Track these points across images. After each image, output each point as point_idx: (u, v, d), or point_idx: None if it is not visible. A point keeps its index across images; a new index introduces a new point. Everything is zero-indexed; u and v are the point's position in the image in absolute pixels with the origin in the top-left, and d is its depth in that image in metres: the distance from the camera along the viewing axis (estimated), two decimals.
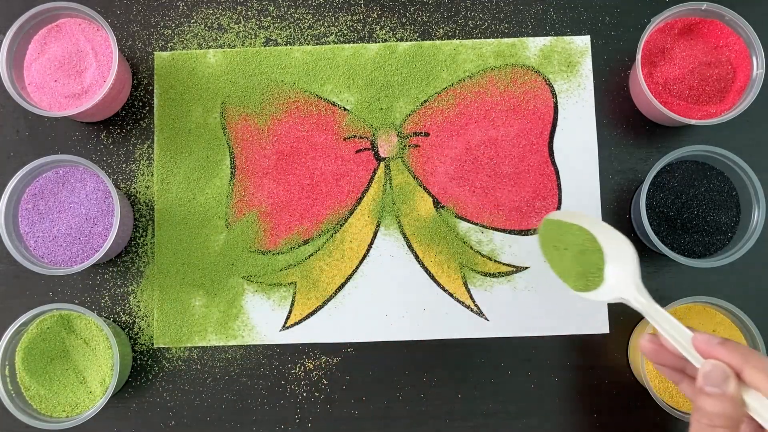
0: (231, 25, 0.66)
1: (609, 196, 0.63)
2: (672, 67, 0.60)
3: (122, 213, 0.58)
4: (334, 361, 0.62)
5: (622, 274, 0.49)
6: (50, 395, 0.58)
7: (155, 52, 0.65)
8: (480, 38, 0.65)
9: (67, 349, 0.59)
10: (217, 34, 0.65)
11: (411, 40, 0.65)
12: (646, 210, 0.58)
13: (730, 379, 0.42)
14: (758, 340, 0.56)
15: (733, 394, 0.41)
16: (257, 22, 0.66)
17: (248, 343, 0.62)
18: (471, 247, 0.63)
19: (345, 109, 0.64)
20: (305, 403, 0.62)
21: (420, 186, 0.63)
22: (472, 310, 0.62)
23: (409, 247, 0.63)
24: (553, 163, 0.64)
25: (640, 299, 0.47)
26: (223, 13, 0.66)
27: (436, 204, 0.63)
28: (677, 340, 0.45)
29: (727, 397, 0.41)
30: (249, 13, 0.66)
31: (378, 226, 0.63)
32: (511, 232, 0.63)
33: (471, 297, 0.62)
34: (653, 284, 0.62)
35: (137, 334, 0.62)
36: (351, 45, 0.65)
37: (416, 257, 0.63)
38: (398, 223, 0.63)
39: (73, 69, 0.60)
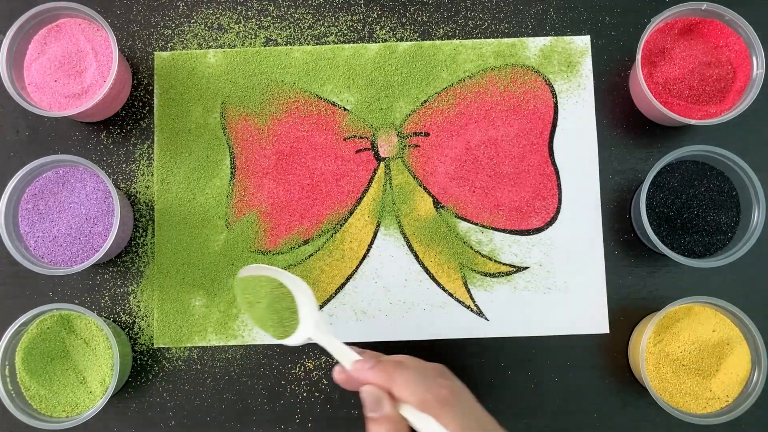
0: (231, 25, 0.66)
1: (609, 196, 0.63)
2: (672, 67, 0.60)
3: (122, 213, 0.58)
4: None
5: (306, 316, 0.52)
6: (50, 395, 0.58)
7: (155, 52, 0.65)
8: (480, 38, 0.65)
9: (67, 349, 0.59)
10: (217, 34, 0.65)
11: (411, 40, 0.65)
12: (646, 210, 0.58)
13: (382, 401, 0.45)
14: (758, 340, 0.56)
15: (389, 414, 0.45)
16: (257, 22, 0.66)
17: (248, 343, 0.62)
18: (471, 247, 0.63)
19: (345, 109, 0.64)
20: (305, 403, 0.62)
21: (420, 186, 0.63)
22: (472, 310, 0.62)
23: (409, 247, 0.63)
24: (553, 163, 0.64)
25: (319, 336, 0.51)
26: (223, 13, 0.66)
27: (436, 204, 0.63)
28: (345, 362, 0.48)
29: (385, 418, 0.44)
30: (249, 13, 0.66)
31: (378, 226, 0.63)
32: (511, 232, 0.63)
33: (471, 297, 0.62)
34: (653, 284, 0.62)
35: (137, 334, 0.62)
36: (351, 45, 0.65)
37: (416, 257, 0.63)
38: (398, 223, 0.63)
39: (73, 69, 0.60)
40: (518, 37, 0.65)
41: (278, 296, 0.52)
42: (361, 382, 0.46)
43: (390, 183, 0.63)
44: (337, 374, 0.49)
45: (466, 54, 0.65)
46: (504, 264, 0.62)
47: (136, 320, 0.62)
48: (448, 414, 0.44)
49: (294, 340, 0.52)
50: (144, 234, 0.63)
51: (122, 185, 0.64)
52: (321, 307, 0.62)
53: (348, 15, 0.66)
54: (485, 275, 0.62)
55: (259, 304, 0.52)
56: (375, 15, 0.66)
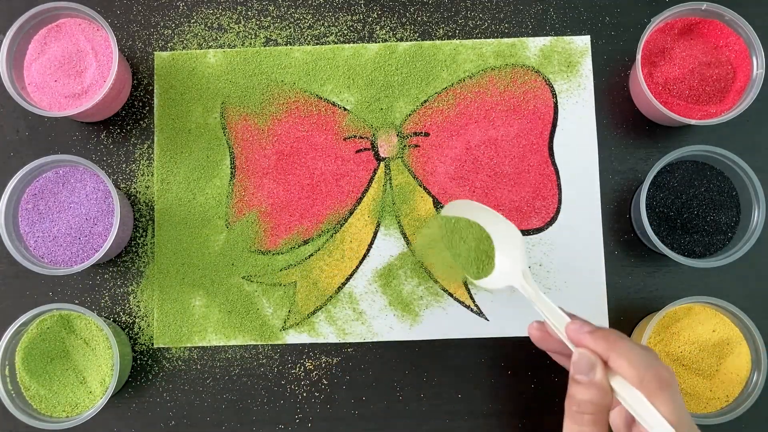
0: (231, 25, 0.66)
1: (609, 196, 0.63)
2: (672, 67, 0.60)
3: (122, 213, 0.58)
4: (334, 361, 0.62)
5: (509, 262, 0.51)
6: (50, 395, 0.58)
7: (155, 52, 0.65)
8: (480, 38, 0.65)
9: (67, 349, 0.59)
10: (217, 34, 0.65)
11: (411, 40, 0.65)
12: (646, 210, 0.58)
13: (596, 367, 0.43)
14: (758, 340, 0.56)
15: (599, 381, 0.43)
16: (257, 22, 0.66)
17: (248, 343, 0.62)
18: None
19: (345, 109, 0.64)
20: (305, 403, 0.62)
21: (420, 186, 0.63)
22: (472, 310, 0.62)
23: (409, 247, 0.63)
24: (553, 163, 0.64)
25: (525, 287, 0.49)
26: (223, 13, 0.66)
27: (436, 204, 0.63)
28: (557, 328, 0.46)
29: (594, 384, 0.43)
30: (249, 13, 0.66)
31: (378, 226, 0.63)
32: None
33: (471, 297, 0.62)
34: (653, 284, 0.62)
35: (137, 334, 0.62)
36: (351, 45, 0.65)
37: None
38: (398, 223, 0.63)
39: (73, 69, 0.60)
40: (518, 37, 0.65)
41: (480, 239, 0.52)
42: (577, 343, 0.45)
43: (390, 183, 0.63)
44: (534, 330, 0.48)
45: (466, 54, 0.65)
46: None
47: (136, 320, 0.62)
48: (665, 398, 0.41)
49: (493, 283, 0.51)
50: (144, 234, 0.63)
51: (122, 185, 0.64)
52: (321, 307, 0.62)
53: (348, 15, 0.66)
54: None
55: (463, 243, 0.52)
56: (375, 15, 0.66)
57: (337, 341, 0.62)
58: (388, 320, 0.62)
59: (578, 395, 0.43)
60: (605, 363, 0.43)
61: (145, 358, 0.62)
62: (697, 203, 0.59)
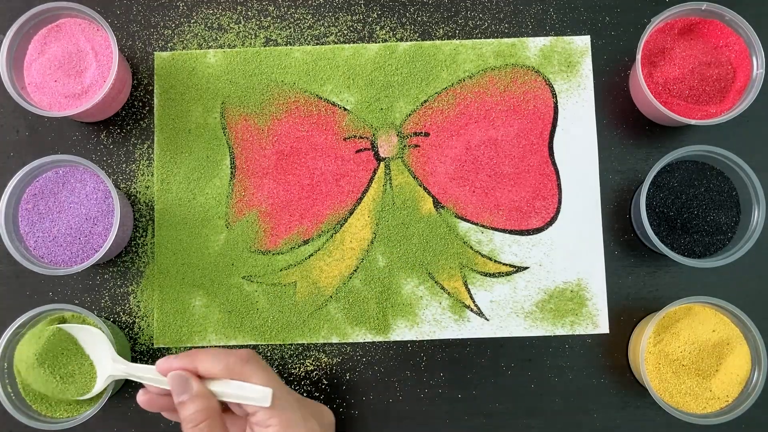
0: (231, 25, 0.66)
1: (609, 196, 0.63)
2: (672, 67, 0.60)
3: (122, 213, 0.58)
4: (334, 361, 0.62)
5: (103, 357, 0.54)
6: (49, 396, 0.58)
7: (155, 52, 0.65)
8: (480, 38, 0.65)
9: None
10: (217, 34, 0.65)
11: (411, 40, 0.65)
12: (646, 210, 0.58)
13: (189, 380, 0.47)
14: (758, 340, 0.56)
15: (198, 391, 0.47)
16: (257, 22, 0.66)
17: (248, 343, 0.62)
18: (471, 247, 0.63)
19: (345, 109, 0.64)
20: None
21: (420, 186, 0.63)
22: (472, 310, 0.62)
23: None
24: (553, 163, 0.64)
25: (118, 367, 0.53)
26: (223, 13, 0.66)
27: (436, 204, 0.63)
28: (152, 378, 0.49)
29: (196, 396, 0.47)
30: (249, 13, 0.66)
31: (378, 226, 0.63)
32: (511, 232, 0.63)
33: (471, 297, 0.62)
34: (653, 284, 0.62)
35: (137, 334, 0.62)
36: (351, 45, 0.65)
37: None
38: (399, 223, 0.63)
39: (73, 69, 0.60)
40: (518, 37, 0.65)
41: (64, 352, 0.55)
42: (167, 371, 0.48)
43: (390, 183, 0.63)
44: (141, 396, 0.50)
45: (466, 54, 0.65)
46: (504, 264, 0.62)
47: (136, 320, 0.62)
48: (252, 368, 0.48)
49: (99, 387, 0.54)
50: (144, 234, 0.63)
51: (122, 185, 0.64)
52: (321, 307, 0.62)
53: (348, 15, 0.66)
54: (485, 275, 0.62)
55: (35, 366, 0.54)
56: (375, 15, 0.66)
57: (337, 341, 0.62)
58: (388, 320, 0.62)
59: (186, 413, 0.47)
60: (198, 376, 0.48)
61: (145, 358, 0.62)
62: (697, 203, 0.59)
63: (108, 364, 0.54)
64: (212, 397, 0.48)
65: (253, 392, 0.47)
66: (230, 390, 0.47)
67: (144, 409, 0.61)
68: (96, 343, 0.55)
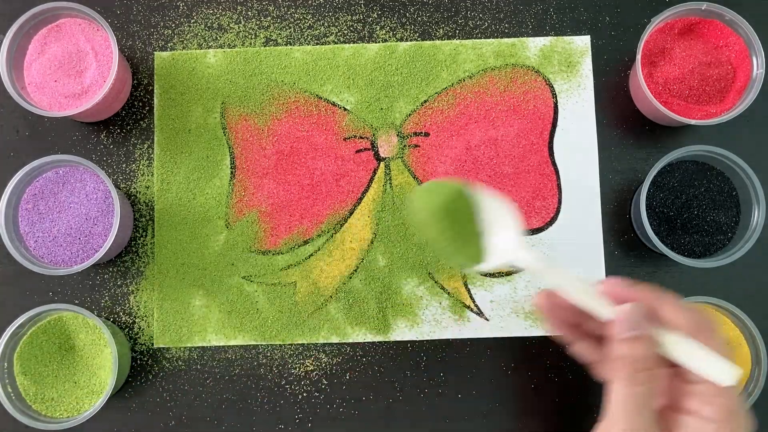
0: (231, 25, 0.66)
1: (609, 196, 0.63)
2: (672, 67, 0.60)
3: (122, 213, 0.58)
4: (334, 361, 0.62)
5: (506, 239, 0.46)
6: (49, 396, 0.58)
7: (155, 52, 0.65)
8: (480, 38, 0.65)
9: (67, 350, 0.59)
10: (217, 34, 0.65)
11: (411, 40, 0.65)
12: (646, 210, 0.58)
13: (647, 319, 0.41)
14: (758, 340, 0.56)
15: (651, 334, 0.41)
16: (257, 22, 0.66)
17: (248, 343, 0.62)
18: None
19: (345, 109, 0.64)
20: (305, 403, 0.62)
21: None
22: (472, 310, 0.62)
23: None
24: (553, 163, 0.64)
25: (530, 258, 0.45)
26: (223, 13, 0.66)
27: None
28: (580, 292, 0.42)
29: (646, 338, 0.41)
30: (249, 13, 0.66)
31: (378, 226, 0.63)
32: None
33: (471, 297, 0.62)
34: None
35: (137, 334, 0.62)
36: (351, 45, 0.65)
37: None
38: (398, 223, 0.63)
39: (73, 69, 0.60)
40: (518, 37, 0.65)
41: (468, 219, 0.46)
42: (619, 298, 0.42)
43: (390, 183, 0.63)
44: (543, 298, 0.44)
45: (466, 54, 0.65)
46: None
47: (136, 320, 0.62)
48: (716, 336, 0.40)
49: (491, 264, 0.46)
50: (144, 234, 0.63)
51: (122, 185, 0.64)
52: (321, 307, 0.62)
53: (348, 15, 0.66)
54: (485, 275, 0.62)
55: (447, 224, 0.46)
56: (375, 15, 0.66)
57: (337, 341, 0.62)
58: (388, 320, 0.62)
59: (631, 351, 0.40)
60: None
61: (145, 358, 0.62)
62: (697, 203, 0.59)
63: (510, 247, 0.45)
64: (658, 347, 0.41)
65: (716, 364, 0.40)
66: (687, 350, 0.40)
67: (148, 409, 0.61)
68: (502, 222, 0.46)
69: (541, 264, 0.44)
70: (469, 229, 0.47)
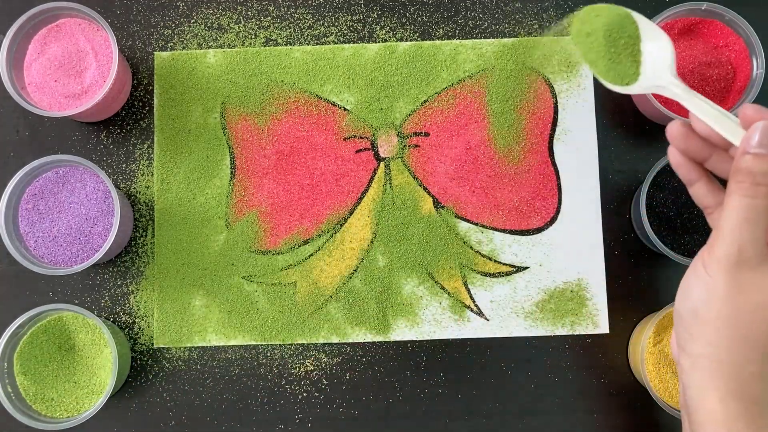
0: (231, 25, 0.66)
1: (609, 196, 0.63)
2: None
3: (122, 213, 0.58)
4: (334, 361, 0.62)
5: (658, 62, 0.46)
6: (49, 396, 0.58)
7: (155, 52, 0.65)
8: (480, 38, 0.65)
9: (66, 350, 0.59)
10: (217, 34, 0.65)
11: (411, 40, 0.65)
12: (646, 210, 0.58)
13: None
14: None
15: None
16: (257, 22, 0.66)
17: (248, 343, 0.62)
18: (471, 247, 0.63)
19: (345, 109, 0.64)
20: (305, 403, 0.62)
21: (420, 186, 0.63)
22: (472, 310, 0.62)
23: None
24: (553, 163, 0.64)
25: (677, 83, 0.44)
26: (223, 13, 0.66)
27: (436, 204, 0.63)
28: (718, 119, 0.42)
29: None
30: (249, 13, 0.66)
31: (378, 226, 0.63)
32: (511, 232, 0.63)
33: (471, 297, 0.62)
34: (653, 284, 0.62)
35: (137, 334, 0.62)
36: (351, 45, 0.65)
37: None
38: (398, 223, 0.63)
39: (73, 69, 0.60)
40: (518, 37, 0.65)
41: (620, 28, 0.46)
42: (752, 119, 0.41)
43: (390, 183, 0.63)
44: (678, 125, 0.43)
45: (466, 54, 0.65)
46: (504, 264, 0.62)
47: (136, 320, 0.62)
48: None
49: (639, 86, 0.46)
50: (144, 234, 0.63)
51: (122, 185, 0.64)
52: (321, 307, 0.62)
53: (348, 15, 0.66)
54: (485, 275, 0.62)
55: (595, 35, 0.47)
56: (375, 15, 0.66)
57: (337, 341, 0.62)
58: (388, 320, 0.62)
59: (756, 165, 0.39)
60: None
61: (145, 358, 0.62)
62: None
63: (665, 72, 0.45)
64: None
65: None
66: None
67: (148, 409, 0.61)
68: (655, 48, 0.46)
69: (691, 92, 0.44)
70: (627, 50, 0.47)
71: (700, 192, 0.45)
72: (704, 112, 0.43)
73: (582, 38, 0.48)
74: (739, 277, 0.40)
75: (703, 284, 0.41)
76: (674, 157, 0.45)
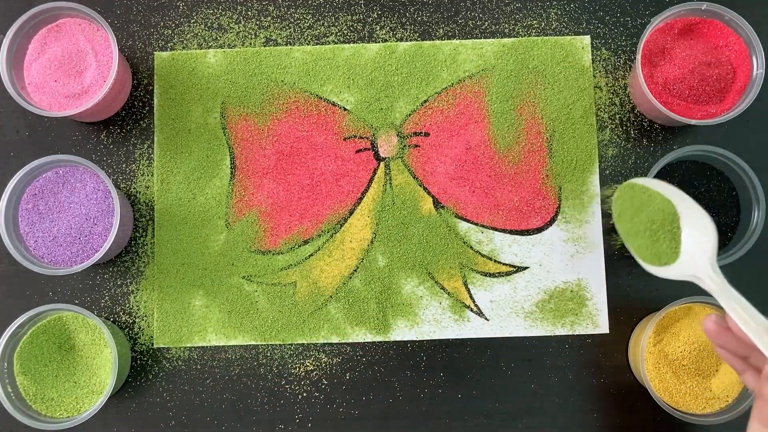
0: (231, 25, 0.66)
1: (609, 195, 0.63)
2: (672, 67, 0.60)
3: (122, 213, 0.58)
4: (334, 361, 0.62)
5: (698, 252, 0.46)
6: (49, 396, 0.58)
7: (155, 52, 0.65)
8: (480, 38, 0.65)
9: (66, 350, 0.59)
10: (217, 34, 0.65)
11: (411, 40, 0.65)
12: None
13: None
14: None
15: None
16: (257, 22, 0.66)
17: (248, 343, 0.62)
18: (471, 247, 0.63)
19: (345, 109, 0.64)
20: (305, 403, 0.62)
21: (420, 186, 0.63)
22: (472, 310, 0.62)
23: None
24: (553, 163, 0.63)
25: (714, 278, 0.44)
26: (223, 13, 0.66)
27: (436, 204, 0.63)
28: (750, 326, 0.41)
29: None
30: (249, 13, 0.66)
31: (378, 226, 0.63)
32: (511, 232, 0.63)
33: (471, 297, 0.62)
34: (653, 284, 0.62)
35: (137, 334, 0.62)
36: (351, 45, 0.65)
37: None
38: (398, 223, 0.63)
39: (73, 69, 0.60)
40: (518, 37, 0.65)
41: (666, 222, 0.46)
42: None
43: (390, 183, 0.63)
44: (712, 323, 0.43)
45: (466, 54, 0.65)
46: (504, 264, 0.62)
47: (136, 320, 0.62)
48: None
49: (673, 272, 0.46)
50: (144, 234, 0.63)
51: (122, 185, 0.64)
52: (321, 307, 0.62)
53: (348, 15, 0.66)
54: (485, 275, 0.62)
55: (642, 221, 0.47)
56: (375, 15, 0.66)
57: (337, 341, 0.62)
58: (388, 320, 0.62)
59: None
60: None
61: (145, 358, 0.62)
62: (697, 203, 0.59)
63: (705, 264, 0.45)
64: None
65: None
66: None
67: (148, 409, 0.61)
68: (696, 235, 0.46)
69: (726, 290, 0.43)
70: (666, 231, 0.47)
71: (749, 380, 0.45)
72: (738, 315, 0.42)
73: (623, 223, 0.49)
74: None
75: None
76: (716, 349, 0.45)
